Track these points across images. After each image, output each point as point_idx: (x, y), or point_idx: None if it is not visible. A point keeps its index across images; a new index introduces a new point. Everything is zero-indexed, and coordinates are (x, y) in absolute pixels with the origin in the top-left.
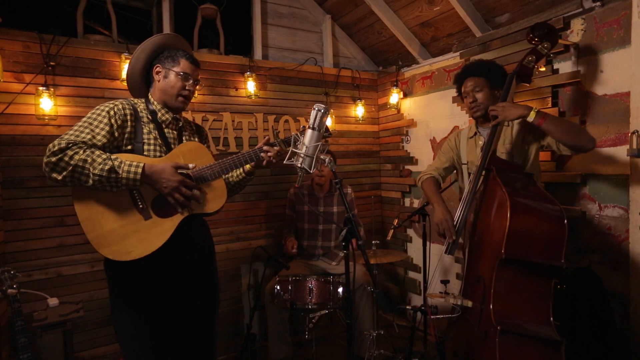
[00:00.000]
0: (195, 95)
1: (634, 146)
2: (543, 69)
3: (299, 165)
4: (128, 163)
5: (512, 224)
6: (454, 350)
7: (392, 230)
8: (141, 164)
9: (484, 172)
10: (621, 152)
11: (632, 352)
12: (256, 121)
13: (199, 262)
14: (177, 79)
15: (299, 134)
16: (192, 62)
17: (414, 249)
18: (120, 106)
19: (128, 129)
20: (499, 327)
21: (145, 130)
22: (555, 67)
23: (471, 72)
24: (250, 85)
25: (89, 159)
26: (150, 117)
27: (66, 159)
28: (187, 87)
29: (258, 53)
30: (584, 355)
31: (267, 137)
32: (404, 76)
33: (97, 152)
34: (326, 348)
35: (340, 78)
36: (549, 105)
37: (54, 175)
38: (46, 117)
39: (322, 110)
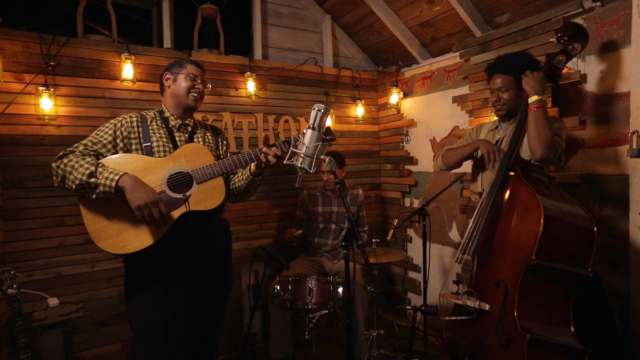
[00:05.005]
0: None
1: (634, 146)
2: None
3: (299, 165)
4: (109, 170)
5: (545, 230)
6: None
7: (392, 230)
8: (121, 173)
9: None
10: (621, 152)
11: (632, 352)
12: (256, 121)
13: (213, 261)
14: (185, 80)
15: (299, 135)
16: (197, 65)
17: (414, 248)
18: (128, 119)
19: (134, 136)
20: (528, 336)
21: (155, 136)
22: None
23: (501, 69)
24: (250, 85)
25: (76, 165)
26: (161, 124)
27: (62, 166)
28: (196, 86)
29: (258, 53)
30: None
31: (265, 136)
32: (404, 76)
33: (88, 159)
34: (326, 348)
35: (340, 78)
36: (549, 105)
37: (53, 179)
38: (46, 117)
39: (322, 110)
